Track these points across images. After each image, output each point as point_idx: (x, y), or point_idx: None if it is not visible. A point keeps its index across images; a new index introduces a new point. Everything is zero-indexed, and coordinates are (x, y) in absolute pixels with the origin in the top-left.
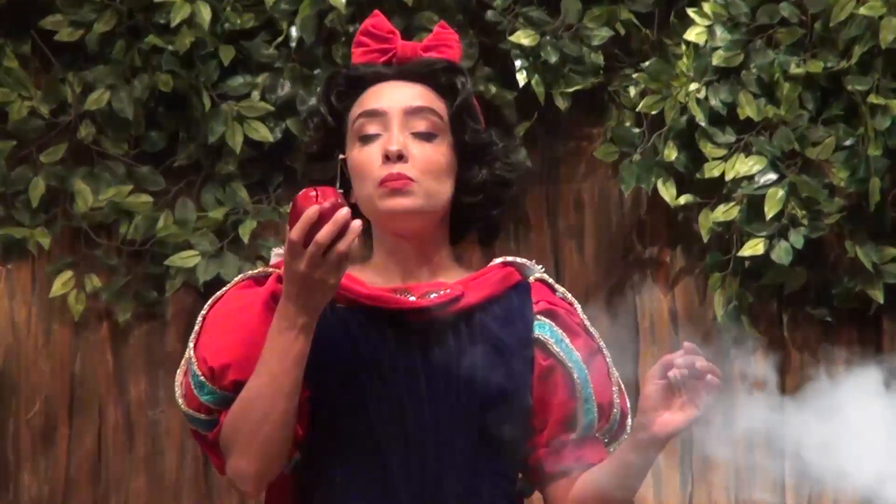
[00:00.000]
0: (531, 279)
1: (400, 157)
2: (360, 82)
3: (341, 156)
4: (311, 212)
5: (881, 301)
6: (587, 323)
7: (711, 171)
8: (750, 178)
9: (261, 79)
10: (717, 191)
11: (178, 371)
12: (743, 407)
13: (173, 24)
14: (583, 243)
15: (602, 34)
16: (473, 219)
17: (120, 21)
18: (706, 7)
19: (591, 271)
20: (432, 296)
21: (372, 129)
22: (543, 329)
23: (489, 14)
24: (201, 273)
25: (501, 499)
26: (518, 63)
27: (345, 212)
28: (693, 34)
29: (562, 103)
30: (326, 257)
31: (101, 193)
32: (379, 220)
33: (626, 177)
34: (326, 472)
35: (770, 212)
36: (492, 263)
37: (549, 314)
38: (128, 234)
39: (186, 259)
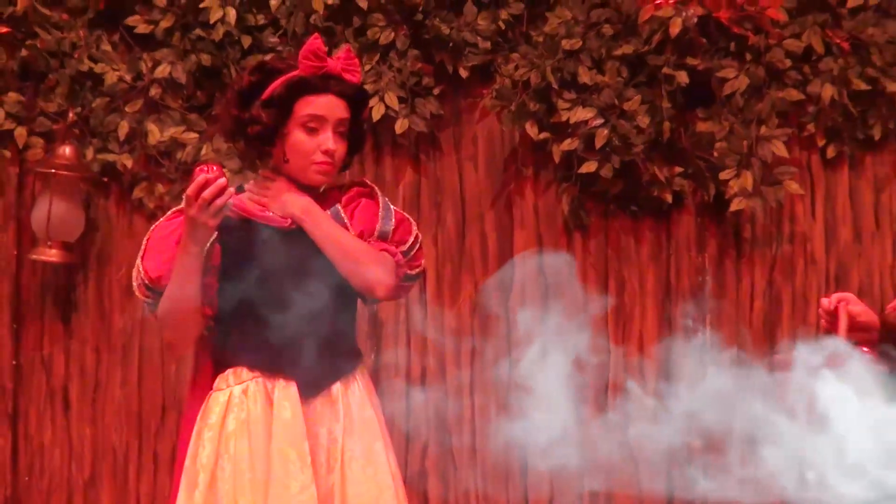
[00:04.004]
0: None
1: (332, 154)
2: (309, 86)
3: (284, 130)
4: (200, 178)
5: (670, 201)
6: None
7: (561, 117)
8: (585, 122)
9: (268, 58)
10: (564, 130)
11: (133, 272)
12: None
13: (211, 21)
14: (477, 165)
15: (490, 28)
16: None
17: (177, 20)
18: (558, 11)
19: (482, 183)
20: None
21: (314, 125)
22: (353, 202)
23: (418, 16)
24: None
25: (349, 332)
26: (436, 46)
27: (223, 181)
28: (549, 28)
29: (464, 73)
30: (209, 208)
31: (164, 132)
32: (304, 180)
33: (505, 121)
34: (235, 327)
35: (599, 144)
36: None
37: (353, 197)
38: (182, 158)
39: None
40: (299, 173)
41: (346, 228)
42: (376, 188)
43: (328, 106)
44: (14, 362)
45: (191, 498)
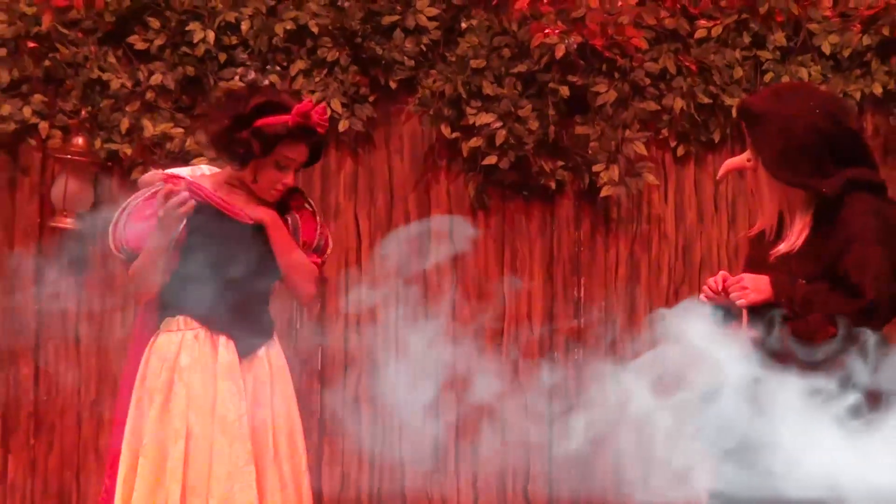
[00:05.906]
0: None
1: (288, 186)
2: (294, 135)
3: (262, 160)
4: (168, 187)
5: (554, 188)
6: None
7: (469, 121)
8: (488, 124)
9: (240, 70)
10: (471, 131)
11: (111, 228)
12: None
13: (195, 41)
14: (404, 158)
15: (414, 49)
16: None
17: (168, 39)
18: (468, 37)
19: (408, 174)
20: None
21: (285, 164)
22: (298, 211)
23: (357, 40)
24: (207, 168)
25: (268, 307)
26: (371, 63)
27: (185, 194)
28: (461, 50)
29: (393, 84)
30: (175, 211)
31: (157, 127)
32: (261, 196)
33: (425, 123)
34: (192, 289)
35: (498, 141)
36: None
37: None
38: (170, 148)
39: (201, 161)
40: (260, 192)
41: (296, 232)
42: (312, 202)
43: (300, 153)
44: (36, 307)
45: (141, 414)
